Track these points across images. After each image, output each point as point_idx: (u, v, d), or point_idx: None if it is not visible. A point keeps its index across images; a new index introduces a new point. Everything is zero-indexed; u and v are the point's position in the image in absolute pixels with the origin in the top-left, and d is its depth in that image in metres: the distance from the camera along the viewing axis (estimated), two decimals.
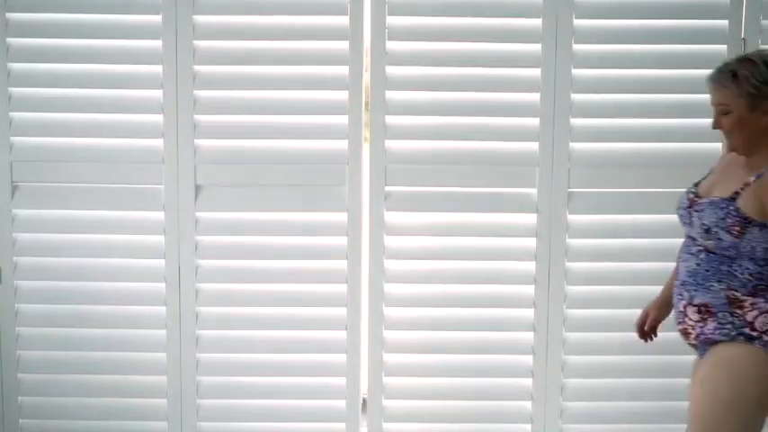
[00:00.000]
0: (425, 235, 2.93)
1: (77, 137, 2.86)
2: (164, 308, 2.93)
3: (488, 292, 2.93)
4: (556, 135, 2.87)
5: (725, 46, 2.85)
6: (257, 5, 2.82)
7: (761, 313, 2.21)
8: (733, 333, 2.23)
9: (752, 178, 2.21)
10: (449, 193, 2.91)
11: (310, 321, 2.94)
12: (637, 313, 2.96)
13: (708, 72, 2.85)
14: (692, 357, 2.99)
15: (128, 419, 2.98)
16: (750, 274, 2.22)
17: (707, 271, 2.25)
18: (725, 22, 2.84)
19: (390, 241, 2.91)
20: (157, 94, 2.84)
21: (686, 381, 3.01)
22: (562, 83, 2.84)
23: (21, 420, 3.00)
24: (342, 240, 2.90)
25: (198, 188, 2.89)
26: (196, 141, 2.86)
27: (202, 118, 2.86)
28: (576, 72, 2.85)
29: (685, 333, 2.33)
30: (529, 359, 2.97)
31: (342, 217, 2.88)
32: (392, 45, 2.83)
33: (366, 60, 2.85)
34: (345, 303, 2.92)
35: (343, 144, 2.86)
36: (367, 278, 2.93)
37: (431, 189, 2.91)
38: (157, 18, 2.81)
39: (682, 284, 2.31)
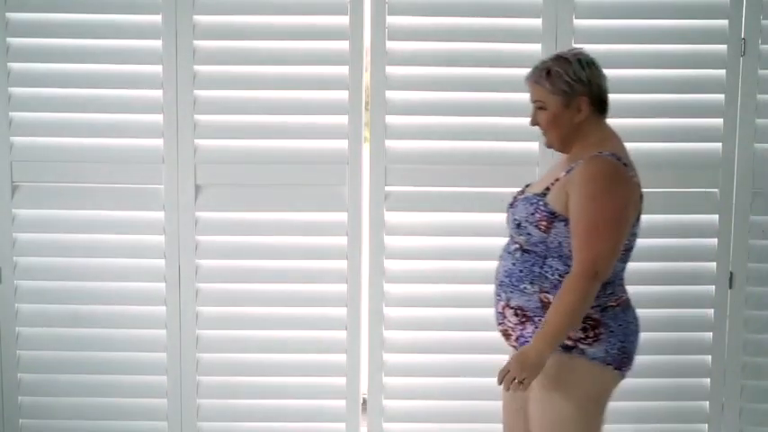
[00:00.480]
0: (425, 235, 2.93)
1: (77, 137, 2.86)
2: (164, 308, 2.93)
3: (488, 292, 2.91)
4: None
5: (725, 46, 2.85)
6: (257, 5, 2.83)
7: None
8: None
9: (563, 173, 2.21)
10: (449, 193, 2.91)
11: (310, 321, 2.94)
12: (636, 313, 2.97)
13: (704, 72, 2.89)
14: (696, 357, 3.01)
15: (128, 419, 2.98)
16: (559, 275, 2.18)
17: (521, 272, 2.22)
18: (725, 22, 2.84)
19: (390, 241, 2.91)
20: (157, 94, 2.84)
21: (686, 381, 3.03)
22: None
23: (21, 420, 3.00)
24: (342, 240, 2.90)
25: (198, 188, 2.89)
26: (196, 141, 2.86)
27: (202, 118, 2.86)
28: None
29: (506, 334, 2.30)
30: None
31: (342, 217, 2.88)
32: (392, 45, 2.83)
33: (366, 60, 2.85)
34: (345, 303, 2.92)
35: (343, 144, 2.86)
36: (367, 278, 2.93)
37: (431, 189, 2.91)
38: (157, 18, 2.81)
39: (500, 285, 2.28)
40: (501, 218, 2.89)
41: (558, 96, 2.22)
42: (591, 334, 2.20)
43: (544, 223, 2.18)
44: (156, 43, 2.82)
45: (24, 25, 2.82)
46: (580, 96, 2.22)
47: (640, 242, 2.93)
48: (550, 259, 2.19)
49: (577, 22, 2.83)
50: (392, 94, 2.85)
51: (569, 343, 2.19)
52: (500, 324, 2.31)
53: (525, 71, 2.83)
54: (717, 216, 2.92)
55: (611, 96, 2.86)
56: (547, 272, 2.20)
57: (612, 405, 3.01)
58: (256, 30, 2.83)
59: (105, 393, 2.98)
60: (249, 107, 2.86)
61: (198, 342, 2.94)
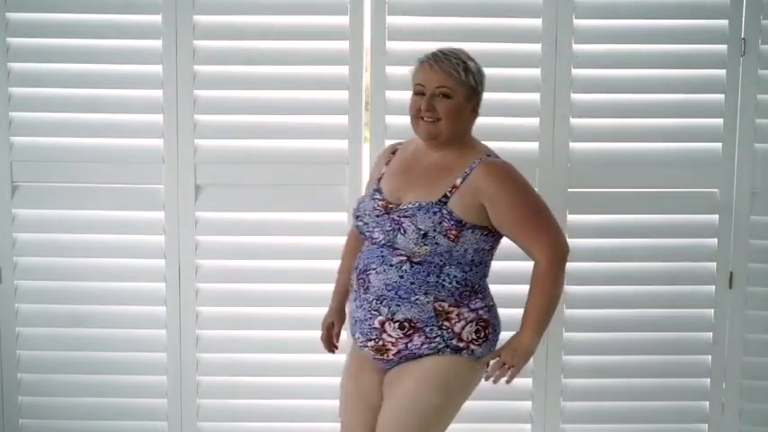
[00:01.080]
0: None
1: (77, 137, 2.86)
2: (164, 308, 2.93)
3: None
4: (556, 135, 2.87)
5: (725, 46, 2.85)
6: (257, 5, 2.82)
7: (467, 323, 2.21)
8: (441, 346, 2.20)
9: (459, 180, 2.20)
10: None
11: (310, 321, 2.92)
12: (637, 313, 2.98)
13: (704, 72, 2.89)
14: (696, 357, 3.01)
15: (128, 419, 2.98)
16: (457, 282, 2.20)
17: (412, 284, 2.18)
18: (725, 22, 2.84)
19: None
20: (157, 94, 2.84)
21: (686, 381, 3.03)
22: (562, 83, 2.84)
23: (21, 420, 3.00)
24: (342, 240, 2.89)
25: (198, 188, 2.89)
26: (196, 141, 2.86)
27: (202, 118, 2.86)
28: (575, 72, 2.85)
29: (381, 350, 2.23)
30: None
31: (342, 217, 2.88)
32: (392, 45, 2.83)
33: (366, 60, 2.85)
34: None
35: (343, 144, 2.86)
36: None
37: None
38: (157, 18, 2.81)
39: (377, 299, 2.20)
40: None
41: (466, 90, 2.23)
42: (482, 335, 2.23)
43: (453, 232, 2.17)
44: (156, 43, 2.82)
45: (24, 25, 2.82)
46: (477, 99, 2.26)
47: (641, 242, 2.95)
48: (448, 267, 2.19)
49: (577, 22, 2.83)
50: (392, 94, 2.85)
51: (461, 344, 2.21)
52: (372, 340, 2.22)
53: (525, 71, 2.86)
54: (717, 216, 2.92)
55: (613, 96, 2.89)
56: (444, 280, 2.19)
57: (613, 405, 3.03)
58: (256, 30, 2.83)
59: (105, 393, 2.98)
60: (249, 107, 2.86)
61: (198, 342, 2.94)
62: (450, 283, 2.20)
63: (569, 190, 2.90)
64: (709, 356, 2.99)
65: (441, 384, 2.21)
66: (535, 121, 2.87)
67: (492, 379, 2.25)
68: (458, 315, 2.20)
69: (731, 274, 2.95)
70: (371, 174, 2.47)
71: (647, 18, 2.84)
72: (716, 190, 2.92)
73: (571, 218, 2.91)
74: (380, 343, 2.22)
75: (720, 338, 2.98)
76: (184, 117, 2.84)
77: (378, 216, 2.24)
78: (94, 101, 2.85)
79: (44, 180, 2.90)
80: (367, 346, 2.25)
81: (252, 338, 2.94)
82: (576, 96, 2.86)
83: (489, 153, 2.29)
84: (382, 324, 2.20)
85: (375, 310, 2.21)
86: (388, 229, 2.20)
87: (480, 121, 2.87)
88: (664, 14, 2.84)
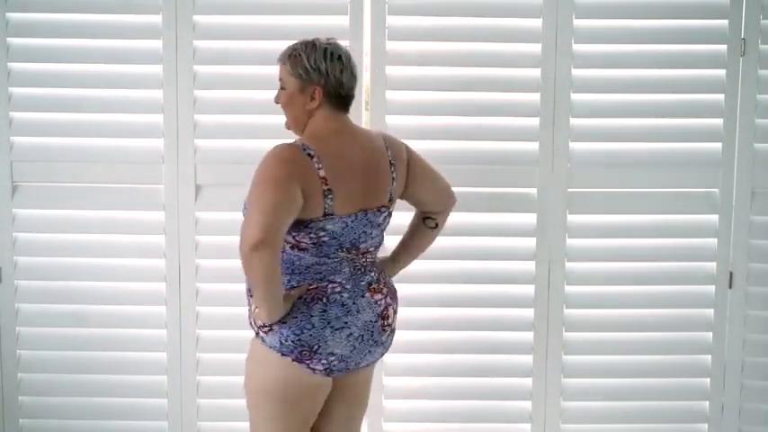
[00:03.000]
0: None
1: (77, 137, 2.86)
2: (164, 308, 2.93)
3: (488, 292, 2.93)
4: (556, 135, 2.87)
5: (725, 46, 2.85)
6: (257, 5, 2.83)
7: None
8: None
9: None
10: None
11: None
12: (637, 313, 2.98)
13: (704, 72, 2.89)
14: (696, 357, 3.01)
15: (128, 419, 2.98)
16: None
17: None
18: (725, 22, 2.84)
19: (389, 240, 2.90)
20: (157, 94, 2.84)
21: (686, 380, 3.03)
22: (562, 83, 2.84)
23: (21, 420, 3.00)
24: None
25: (198, 188, 2.89)
26: (196, 141, 2.86)
27: (202, 118, 2.86)
28: (575, 72, 2.85)
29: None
30: (529, 359, 2.97)
31: None
32: (392, 45, 2.83)
33: (366, 60, 2.85)
34: None
35: None
36: None
37: None
38: (157, 18, 2.81)
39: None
40: (501, 218, 2.92)
41: (296, 79, 2.23)
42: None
43: None
44: (156, 43, 2.82)
45: (24, 25, 2.82)
46: (315, 85, 2.21)
47: (641, 242, 2.95)
48: None
49: (577, 22, 2.83)
50: (392, 94, 2.85)
51: (256, 329, 2.29)
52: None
53: (525, 71, 2.87)
54: (717, 216, 2.92)
55: (613, 96, 2.89)
56: None
57: (613, 405, 3.03)
58: (256, 30, 2.83)
59: (105, 393, 2.98)
60: (249, 107, 2.86)
61: (198, 342, 2.95)
62: None
63: (569, 190, 2.90)
64: (709, 356, 2.99)
65: (246, 364, 2.40)
66: (535, 121, 2.87)
67: None
68: None
69: (731, 274, 2.95)
70: None
71: (648, 18, 2.84)
72: (716, 190, 2.92)
73: (571, 218, 2.91)
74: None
75: (720, 338, 2.98)
76: (184, 117, 2.84)
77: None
78: (94, 101, 2.85)
79: (44, 180, 2.90)
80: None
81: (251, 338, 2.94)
82: (575, 96, 2.86)
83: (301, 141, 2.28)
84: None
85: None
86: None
87: (480, 121, 2.89)
88: (664, 14, 2.84)
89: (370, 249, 2.27)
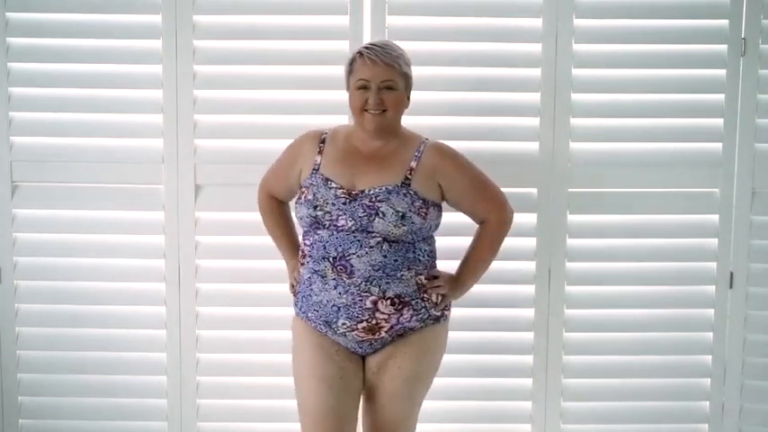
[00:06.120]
0: None
1: (77, 137, 2.87)
2: (164, 308, 2.93)
3: (489, 292, 2.93)
4: (556, 135, 2.87)
5: (725, 46, 2.85)
6: (257, 5, 2.83)
7: (433, 290, 2.41)
8: (425, 317, 2.40)
9: (413, 163, 2.37)
10: None
11: None
12: (637, 313, 2.98)
13: (704, 72, 2.89)
14: (697, 357, 3.01)
15: (128, 419, 2.98)
16: (427, 255, 2.41)
17: (396, 261, 2.32)
18: (725, 22, 2.84)
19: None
20: (157, 94, 2.84)
21: (687, 381, 3.03)
22: (562, 83, 2.84)
23: (21, 420, 3.00)
24: None
25: (198, 188, 2.89)
26: (196, 141, 2.86)
27: (202, 118, 2.86)
28: (575, 72, 2.85)
29: (374, 329, 2.35)
30: (529, 359, 2.97)
31: None
32: None
33: None
34: None
35: None
36: None
37: None
38: (157, 18, 2.81)
39: (367, 280, 2.31)
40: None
41: (403, 79, 2.37)
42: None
43: (424, 210, 2.34)
44: (156, 43, 2.82)
45: (24, 25, 2.82)
46: (410, 87, 2.42)
47: (641, 242, 2.95)
48: (418, 243, 2.37)
49: (577, 22, 2.83)
50: None
51: (438, 313, 2.44)
52: (366, 321, 2.34)
53: (525, 71, 2.86)
54: (717, 216, 2.92)
55: (613, 96, 2.89)
56: (419, 255, 2.37)
57: (613, 405, 3.04)
58: (256, 30, 2.83)
59: (105, 393, 2.98)
60: (249, 107, 2.86)
61: (198, 342, 2.95)
62: (423, 257, 2.38)
63: (569, 190, 2.90)
64: (710, 356, 2.99)
65: (433, 354, 2.45)
66: (535, 121, 2.87)
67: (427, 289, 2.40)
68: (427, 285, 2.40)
69: (731, 274, 2.95)
70: (294, 159, 2.48)
71: (647, 18, 2.84)
72: (716, 190, 2.92)
73: (571, 218, 2.91)
74: (373, 322, 2.34)
75: (720, 338, 2.98)
76: (184, 117, 2.84)
77: (344, 204, 2.32)
78: (94, 101, 2.85)
79: (44, 180, 2.90)
80: (357, 329, 2.34)
81: (252, 338, 2.94)
82: (575, 96, 2.86)
83: (425, 137, 2.48)
84: (375, 303, 2.32)
85: (365, 292, 2.32)
86: (362, 214, 2.30)
87: (480, 121, 2.90)
88: (664, 14, 2.84)
89: None
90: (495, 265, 2.94)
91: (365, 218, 2.30)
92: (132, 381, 2.98)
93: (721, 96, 2.87)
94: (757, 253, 2.95)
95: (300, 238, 2.49)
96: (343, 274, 2.31)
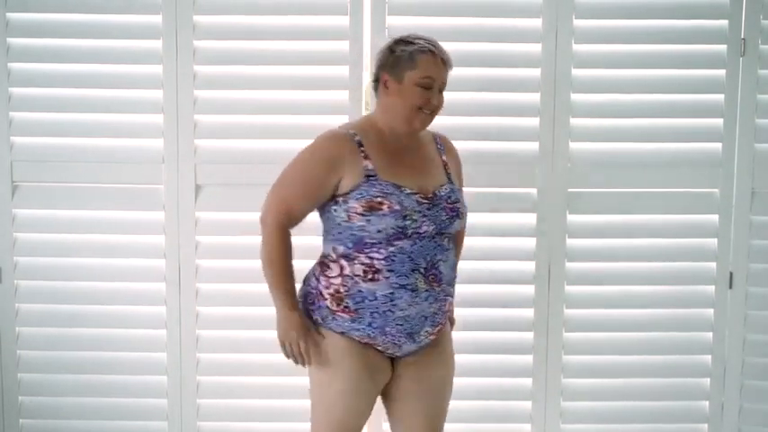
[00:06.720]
0: None
1: (77, 137, 2.86)
2: (164, 308, 2.93)
3: (489, 292, 2.93)
4: (556, 135, 2.87)
5: (725, 46, 2.85)
6: (257, 5, 2.83)
7: None
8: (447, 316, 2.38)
9: (441, 156, 2.35)
10: None
11: None
12: (637, 313, 2.98)
13: (704, 72, 2.89)
14: (696, 357, 3.01)
15: (128, 419, 2.98)
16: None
17: (454, 257, 2.34)
18: (725, 22, 2.84)
19: None
20: (157, 94, 2.84)
21: (687, 381, 3.03)
22: (562, 83, 2.84)
23: (21, 420, 3.00)
24: None
25: (198, 188, 2.89)
26: (196, 141, 2.86)
27: (202, 118, 2.86)
28: (575, 72, 2.85)
29: (436, 333, 2.32)
30: (529, 359, 2.97)
31: None
32: None
33: (366, 60, 2.85)
34: None
35: None
36: None
37: None
38: (157, 18, 2.81)
39: (447, 284, 2.27)
40: (501, 218, 2.92)
41: None
42: None
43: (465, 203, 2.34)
44: (156, 43, 2.82)
45: (24, 25, 2.82)
46: None
47: (641, 242, 2.95)
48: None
49: (577, 22, 2.83)
50: None
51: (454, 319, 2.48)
52: (441, 324, 2.32)
53: (525, 71, 2.86)
54: (717, 216, 2.92)
55: (613, 96, 2.89)
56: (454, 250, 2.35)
57: (613, 405, 3.04)
58: (256, 30, 2.83)
59: (105, 393, 2.98)
60: (249, 107, 2.86)
61: (198, 342, 2.94)
62: (454, 253, 2.34)
63: (569, 190, 2.90)
64: (710, 356, 2.99)
65: (453, 355, 2.46)
66: (535, 121, 2.87)
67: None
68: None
69: (731, 274, 2.95)
70: (330, 167, 2.21)
71: (648, 18, 2.84)
72: (716, 190, 2.92)
73: (571, 218, 2.91)
74: (439, 328, 2.32)
75: (720, 338, 2.98)
76: (184, 117, 2.84)
77: (428, 209, 2.20)
78: (95, 101, 2.85)
79: (44, 180, 2.90)
80: (433, 334, 2.31)
81: (252, 338, 2.94)
82: (575, 96, 2.86)
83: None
84: (450, 306, 2.35)
85: (447, 295, 2.30)
86: (444, 217, 2.22)
87: (480, 121, 2.90)
88: (664, 14, 2.84)
89: None
90: (496, 265, 2.96)
91: (447, 221, 2.22)
92: (132, 381, 2.98)
93: (721, 96, 2.87)
94: (757, 253, 2.95)
95: (335, 252, 2.24)
96: (434, 283, 2.22)
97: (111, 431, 2.99)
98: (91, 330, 2.94)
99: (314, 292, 2.28)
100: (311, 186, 2.23)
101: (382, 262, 2.18)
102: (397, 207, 2.16)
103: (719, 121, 2.89)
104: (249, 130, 2.87)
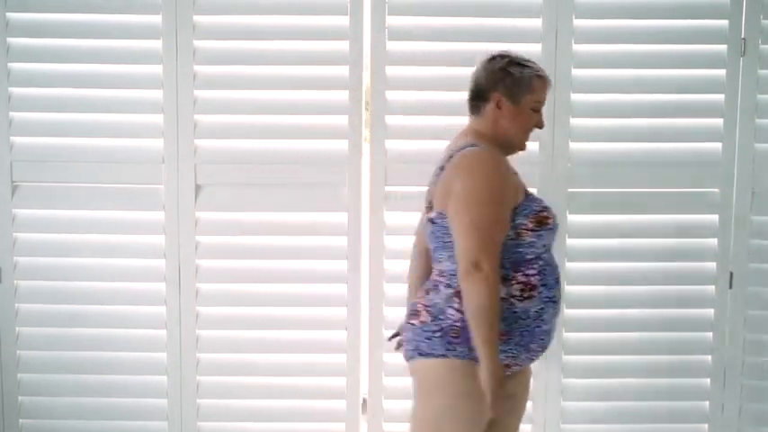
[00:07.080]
0: None
1: (77, 137, 2.87)
2: (164, 308, 2.93)
3: None
4: (556, 135, 2.87)
5: (725, 46, 2.85)
6: (257, 5, 2.83)
7: None
8: None
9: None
10: None
11: (310, 321, 2.94)
12: (637, 313, 2.98)
13: (704, 72, 2.89)
14: (696, 357, 3.01)
15: (128, 419, 2.98)
16: None
17: None
18: (725, 22, 2.85)
19: (390, 241, 2.91)
20: (157, 94, 2.84)
21: (686, 381, 3.03)
22: (562, 83, 2.84)
23: (21, 420, 3.00)
24: (342, 241, 2.90)
25: (198, 188, 2.89)
26: (196, 141, 2.86)
27: (202, 118, 2.86)
28: (575, 72, 2.85)
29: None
30: None
31: (342, 217, 2.88)
32: (392, 45, 2.83)
33: (366, 60, 2.85)
34: (345, 303, 2.92)
35: (343, 144, 2.86)
36: (367, 278, 2.93)
37: None
38: (157, 18, 2.81)
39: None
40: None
41: None
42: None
43: None
44: (156, 43, 2.82)
45: (24, 25, 2.82)
46: None
47: (641, 242, 2.95)
48: None
49: (577, 22, 2.83)
50: (392, 94, 2.85)
51: None
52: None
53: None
54: (717, 216, 2.92)
55: (613, 96, 2.89)
56: None
57: (613, 405, 3.04)
58: (256, 30, 2.83)
59: (105, 393, 2.98)
60: (249, 107, 2.86)
61: (198, 342, 2.95)
62: None
63: (569, 190, 2.90)
64: (710, 356, 2.99)
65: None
66: None
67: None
68: None
69: (731, 274, 2.95)
70: (509, 192, 2.19)
71: (648, 18, 2.85)
72: (716, 190, 2.92)
73: (571, 218, 2.91)
74: None
75: (720, 338, 2.98)
76: (184, 117, 2.84)
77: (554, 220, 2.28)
78: (95, 101, 2.85)
79: (44, 180, 2.90)
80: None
81: (252, 338, 2.94)
82: (575, 96, 2.86)
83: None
84: None
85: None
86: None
87: None
88: (664, 14, 2.84)
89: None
90: None
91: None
92: (132, 381, 2.98)
93: (721, 96, 2.87)
94: (757, 253, 2.95)
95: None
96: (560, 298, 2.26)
97: (111, 431, 2.99)
98: (91, 330, 2.94)
99: (458, 325, 2.13)
100: (506, 210, 2.14)
101: (537, 277, 2.15)
102: (557, 222, 2.25)
103: (719, 121, 2.89)
104: (249, 130, 2.87)
